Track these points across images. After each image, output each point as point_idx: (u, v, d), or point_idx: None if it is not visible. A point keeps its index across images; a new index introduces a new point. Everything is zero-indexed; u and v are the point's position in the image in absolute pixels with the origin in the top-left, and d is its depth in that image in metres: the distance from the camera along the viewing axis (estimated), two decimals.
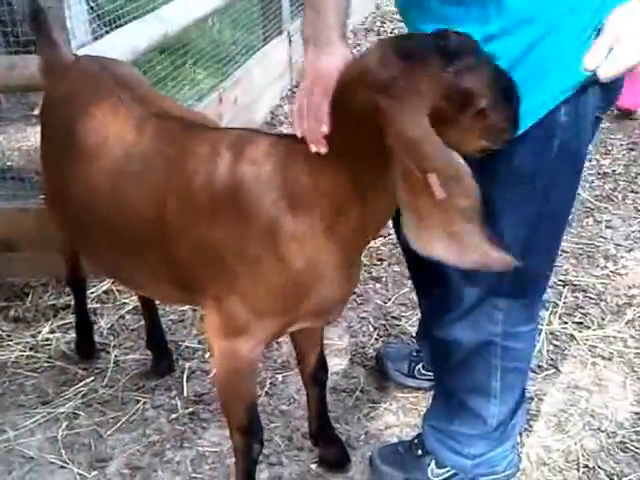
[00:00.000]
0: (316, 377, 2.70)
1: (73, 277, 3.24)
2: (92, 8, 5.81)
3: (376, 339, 3.45)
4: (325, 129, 1.87)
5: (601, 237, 4.19)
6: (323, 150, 1.89)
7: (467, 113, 1.75)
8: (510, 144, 1.94)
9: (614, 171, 4.88)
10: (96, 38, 3.79)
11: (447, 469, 2.70)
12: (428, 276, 2.45)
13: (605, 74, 1.72)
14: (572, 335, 3.43)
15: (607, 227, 4.30)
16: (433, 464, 2.71)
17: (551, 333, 3.44)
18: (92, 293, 3.69)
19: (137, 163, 2.29)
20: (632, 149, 5.16)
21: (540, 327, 3.44)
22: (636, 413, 3.02)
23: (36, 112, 4.92)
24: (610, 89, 2.09)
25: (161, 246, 2.24)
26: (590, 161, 4.95)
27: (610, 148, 5.16)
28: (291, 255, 2.03)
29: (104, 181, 2.34)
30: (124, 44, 3.80)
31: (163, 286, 2.42)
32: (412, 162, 1.66)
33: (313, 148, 1.91)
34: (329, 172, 1.92)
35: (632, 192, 4.64)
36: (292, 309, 2.16)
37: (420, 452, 2.74)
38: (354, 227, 2.01)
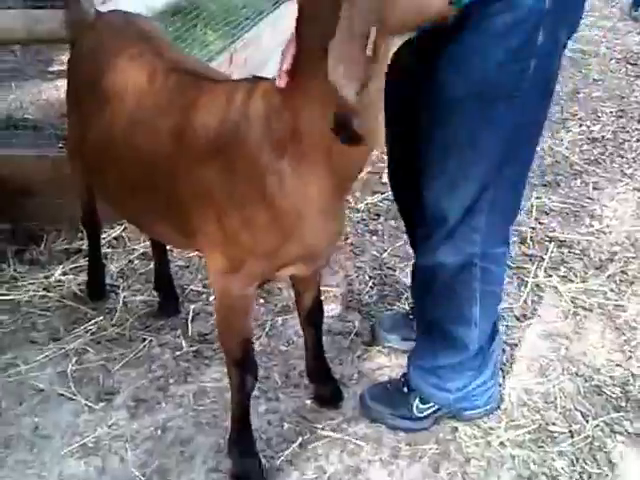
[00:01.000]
0: (312, 319, 2.87)
1: (89, 221, 3.40)
2: None
3: (371, 287, 3.64)
4: (285, 66, 2.06)
5: (588, 198, 4.37)
6: (282, 84, 2.06)
7: None
8: (496, 65, 2.20)
9: (603, 137, 5.06)
10: None
11: (430, 404, 2.89)
12: (413, 203, 2.66)
13: None
14: (556, 287, 3.62)
15: (594, 188, 4.48)
16: (418, 401, 2.89)
17: (536, 285, 3.63)
18: (103, 239, 3.84)
19: (150, 111, 2.46)
20: (621, 116, 5.32)
21: (526, 279, 3.64)
22: (612, 360, 3.21)
23: (51, 68, 5.11)
24: (575, 18, 2.37)
25: (167, 190, 2.42)
26: (580, 127, 5.15)
27: (600, 115, 5.33)
28: (276, 194, 2.17)
29: (121, 128, 2.51)
30: (141, 2, 3.95)
31: (168, 229, 2.60)
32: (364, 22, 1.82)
33: (278, 82, 2.08)
34: (310, 112, 2.05)
35: (619, 157, 4.82)
36: (280, 249, 2.28)
37: (406, 389, 2.92)
38: (336, 164, 2.13)
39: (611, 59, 6.35)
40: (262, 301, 3.50)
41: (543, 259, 3.82)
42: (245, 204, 2.22)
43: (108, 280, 3.64)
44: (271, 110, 2.14)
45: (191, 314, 3.45)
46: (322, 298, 3.12)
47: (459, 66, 2.28)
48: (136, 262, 3.78)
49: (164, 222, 2.59)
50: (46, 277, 3.68)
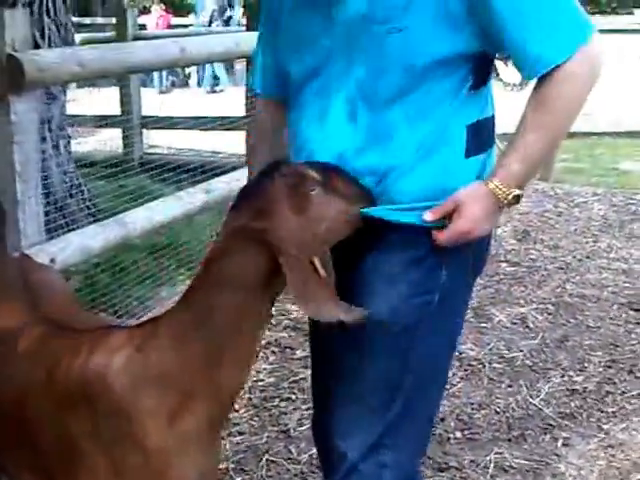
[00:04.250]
0: None
1: None
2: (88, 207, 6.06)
3: None
4: None
5: (555, 454, 3.96)
6: None
7: (310, 189, 2.05)
8: (398, 296, 2.17)
9: (585, 388, 4.64)
10: (52, 237, 3.92)
11: None
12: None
13: (441, 239, 2.07)
14: None
15: (564, 445, 4.06)
16: None
17: None
18: None
19: (12, 364, 2.40)
20: (609, 367, 4.91)
21: None
22: None
23: None
24: (480, 258, 2.33)
25: (25, 444, 2.30)
26: (562, 377, 4.77)
27: (587, 365, 4.92)
28: (149, 436, 2.07)
29: None
30: (76, 245, 3.89)
31: None
32: (305, 256, 1.99)
33: None
34: (181, 351, 2.07)
35: (598, 411, 4.39)
36: None
37: None
38: (213, 401, 2.10)
39: (613, 304, 5.89)
40: None
41: None
42: (111, 451, 2.10)
43: None
44: (137, 356, 2.12)
45: None
46: None
47: (364, 294, 2.22)
48: None
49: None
50: None
